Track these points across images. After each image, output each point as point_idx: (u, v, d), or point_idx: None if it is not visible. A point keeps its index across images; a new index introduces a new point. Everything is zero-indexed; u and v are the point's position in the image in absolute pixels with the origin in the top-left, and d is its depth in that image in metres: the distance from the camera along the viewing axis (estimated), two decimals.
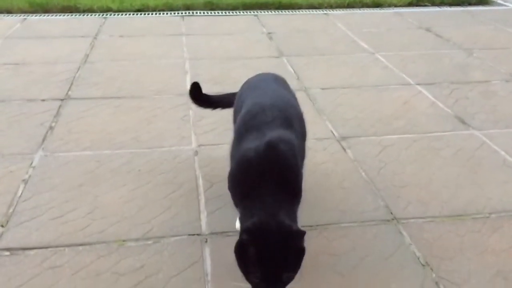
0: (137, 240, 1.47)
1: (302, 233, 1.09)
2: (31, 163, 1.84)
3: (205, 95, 1.83)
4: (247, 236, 1.08)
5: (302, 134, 1.42)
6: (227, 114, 1.70)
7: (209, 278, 1.33)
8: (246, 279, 1.10)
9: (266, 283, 1.07)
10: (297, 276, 1.12)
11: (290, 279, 1.10)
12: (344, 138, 2.07)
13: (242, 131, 1.34)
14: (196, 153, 1.94)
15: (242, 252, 1.10)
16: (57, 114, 2.23)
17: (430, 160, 1.91)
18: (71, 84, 2.55)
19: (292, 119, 1.37)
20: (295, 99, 1.56)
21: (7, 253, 1.41)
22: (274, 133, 1.26)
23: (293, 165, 1.25)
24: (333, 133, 2.11)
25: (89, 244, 1.45)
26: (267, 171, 1.20)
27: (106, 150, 1.94)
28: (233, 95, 1.71)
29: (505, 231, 1.53)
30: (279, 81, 1.60)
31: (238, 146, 1.32)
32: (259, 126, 1.29)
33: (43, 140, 2.01)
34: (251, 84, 1.59)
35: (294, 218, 1.18)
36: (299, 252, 1.11)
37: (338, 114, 2.28)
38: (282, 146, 1.24)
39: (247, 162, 1.24)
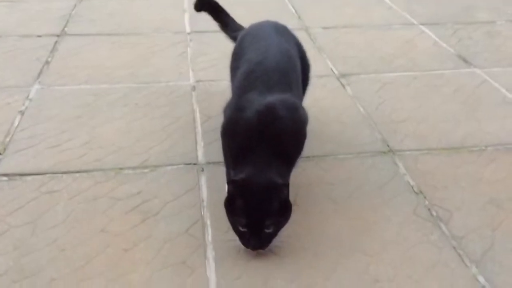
0: (134, 168, 1.48)
1: (285, 185, 1.12)
2: (28, 96, 1.83)
3: (217, 3, 1.79)
4: (232, 187, 1.12)
5: (301, 95, 1.43)
6: (225, 51, 1.66)
7: (205, 204, 1.35)
8: (234, 231, 1.15)
9: (250, 231, 1.11)
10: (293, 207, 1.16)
11: (274, 227, 1.12)
12: (343, 75, 2.05)
13: (242, 92, 1.30)
14: (193, 88, 1.93)
15: (230, 205, 1.14)
16: (53, 49, 2.20)
17: (430, 96, 1.89)
18: (67, 21, 2.50)
19: (295, 80, 1.35)
20: (299, 45, 1.52)
21: (5, 178, 1.43)
22: (276, 97, 1.23)
23: (292, 129, 1.23)
24: (332, 71, 2.08)
25: (86, 171, 1.46)
26: (265, 131, 1.18)
27: (103, 84, 1.93)
28: (238, 28, 1.68)
29: (500, 162, 1.53)
30: (283, 32, 1.53)
31: (237, 105, 1.29)
32: (261, 89, 1.26)
33: (39, 74, 1.99)
34: (254, 33, 1.51)
35: (284, 176, 1.18)
36: (284, 205, 1.13)
37: (338, 52, 2.25)
38: (283, 111, 1.21)
39: (245, 120, 1.21)
